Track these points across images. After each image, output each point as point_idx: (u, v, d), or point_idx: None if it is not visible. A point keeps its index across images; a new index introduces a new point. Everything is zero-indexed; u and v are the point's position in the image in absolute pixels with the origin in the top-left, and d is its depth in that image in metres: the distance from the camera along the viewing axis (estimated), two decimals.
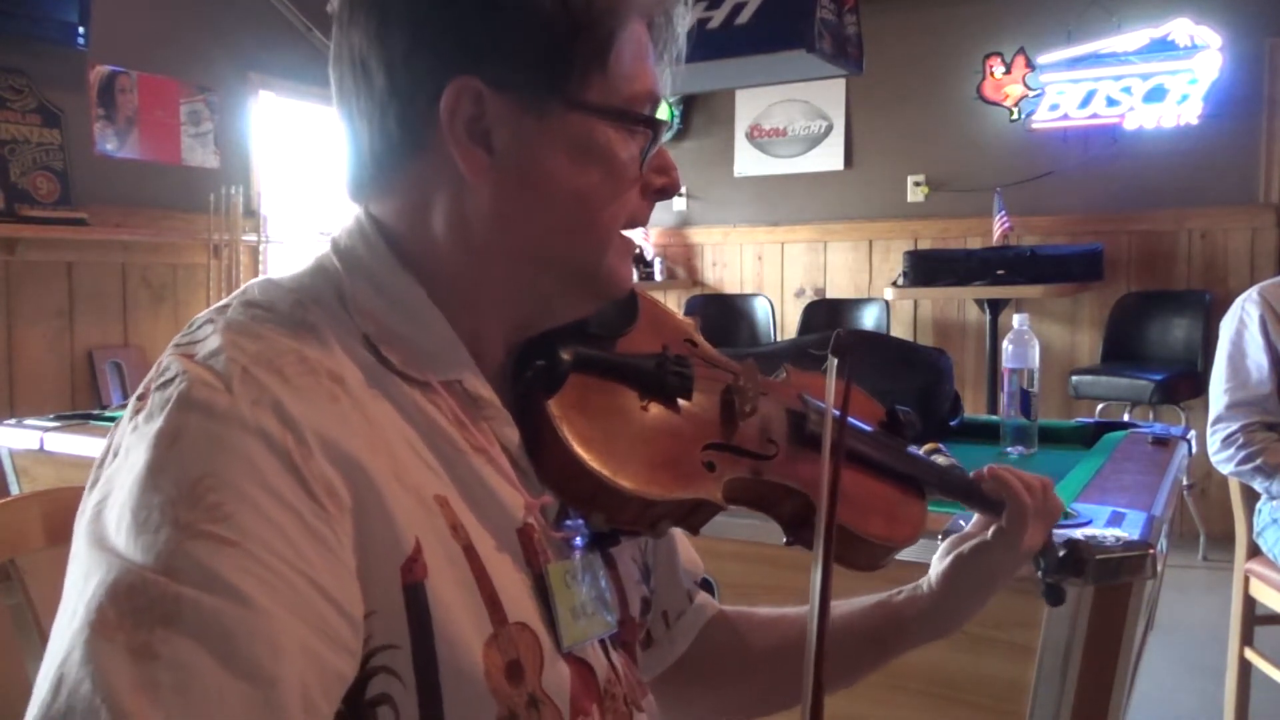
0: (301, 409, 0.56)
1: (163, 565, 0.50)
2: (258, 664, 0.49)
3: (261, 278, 0.67)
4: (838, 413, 0.67)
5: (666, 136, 0.71)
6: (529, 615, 0.63)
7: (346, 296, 0.65)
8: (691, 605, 0.91)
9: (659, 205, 0.76)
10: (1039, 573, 0.88)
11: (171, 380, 0.57)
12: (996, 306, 4.53)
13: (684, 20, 0.71)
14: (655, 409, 0.71)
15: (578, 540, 0.69)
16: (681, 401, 0.72)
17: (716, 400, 0.74)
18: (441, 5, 0.63)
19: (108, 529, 0.53)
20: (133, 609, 0.49)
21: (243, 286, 0.66)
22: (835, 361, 0.62)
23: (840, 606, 0.88)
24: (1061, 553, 0.87)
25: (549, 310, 0.70)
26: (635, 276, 0.78)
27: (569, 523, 0.69)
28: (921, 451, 0.89)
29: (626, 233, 0.71)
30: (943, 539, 0.90)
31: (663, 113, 0.70)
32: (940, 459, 0.90)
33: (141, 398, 0.58)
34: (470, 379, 0.67)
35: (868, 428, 0.86)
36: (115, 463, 0.57)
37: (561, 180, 0.65)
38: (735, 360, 0.78)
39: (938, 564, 0.88)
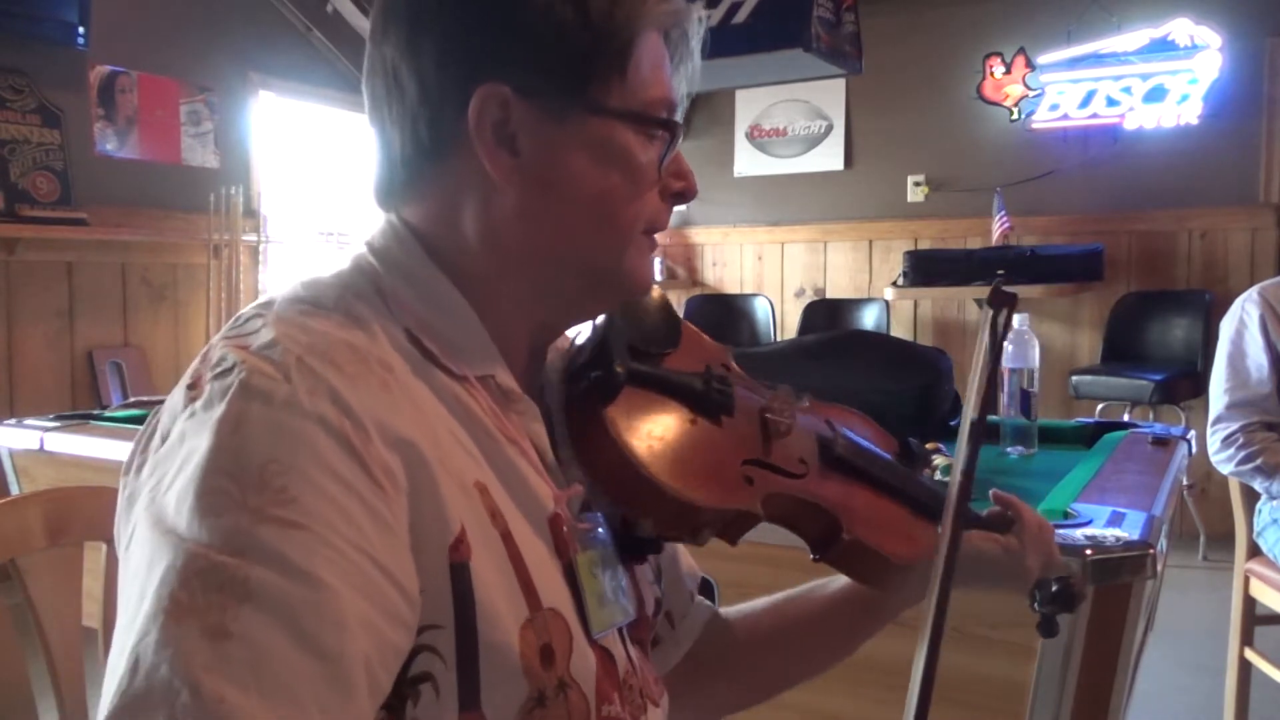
0: (356, 397, 0.58)
1: (233, 547, 0.52)
2: (326, 641, 0.51)
3: (305, 275, 0.70)
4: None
5: None
6: (561, 602, 0.66)
7: (386, 292, 0.68)
8: (692, 605, 0.93)
9: None
10: (1033, 605, 0.90)
11: (229, 370, 0.58)
12: None
13: (698, 35, 0.73)
14: (701, 424, 0.74)
15: (599, 531, 0.72)
16: (724, 418, 0.75)
17: (755, 420, 0.78)
18: (469, 17, 0.66)
19: (168, 512, 0.54)
20: (204, 590, 0.51)
21: (285, 283, 0.69)
22: (991, 314, 0.63)
23: (828, 585, 0.91)
24: (1055, 587, 0.89)
25: (572, 310, 0.73)
26: None
27: (589, 515, 0.72)
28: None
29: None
30: None
31: (680, 118, 0.72)
32: (940, 459, 0.91)
33: (193, 386, 0.59)
34: (502, 374, 0.69)
35: (887, 455, 0.90)
36: (166, 447, 0.58)
37: (583, 181, 0.68)
38: (768, 387, 0.82)
39: None
